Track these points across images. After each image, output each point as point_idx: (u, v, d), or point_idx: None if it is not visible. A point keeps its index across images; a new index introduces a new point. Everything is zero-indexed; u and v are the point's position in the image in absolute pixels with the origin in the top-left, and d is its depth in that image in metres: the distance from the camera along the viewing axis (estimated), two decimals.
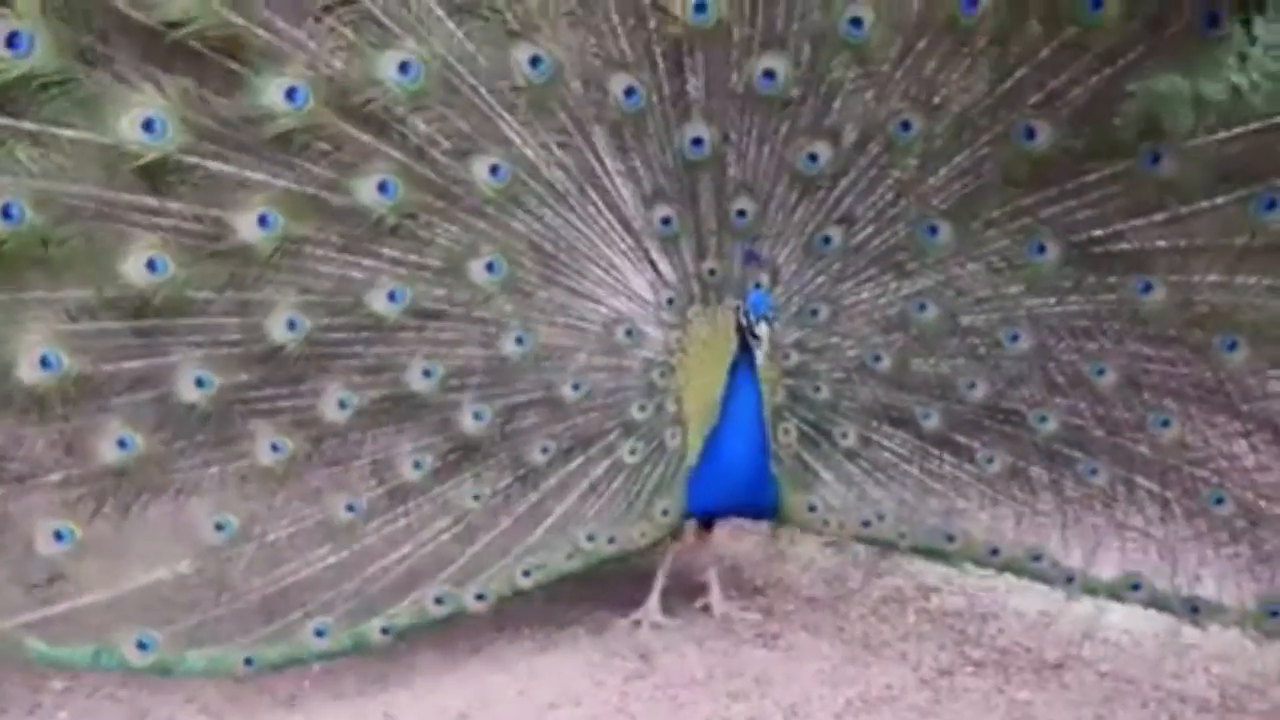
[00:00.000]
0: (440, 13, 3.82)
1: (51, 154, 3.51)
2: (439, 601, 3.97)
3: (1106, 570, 4.12)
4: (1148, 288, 3.85)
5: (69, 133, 3.51)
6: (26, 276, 3.59)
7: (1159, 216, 3.82)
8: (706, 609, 4.41)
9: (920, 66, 3.92)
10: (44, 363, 3.56)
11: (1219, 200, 3.74)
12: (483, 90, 3.90)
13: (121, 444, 3.70)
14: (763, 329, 3.86)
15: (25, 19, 3.39)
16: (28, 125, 3.49)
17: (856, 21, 3.87)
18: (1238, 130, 3.72)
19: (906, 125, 3.96)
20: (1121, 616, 4.39)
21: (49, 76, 3.45)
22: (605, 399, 4.18)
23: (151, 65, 3.56)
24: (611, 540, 4.15)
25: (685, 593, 4.47)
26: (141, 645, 3.66)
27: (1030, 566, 4.17)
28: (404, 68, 3.77)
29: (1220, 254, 3.74)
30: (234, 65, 3.63)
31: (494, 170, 3.94)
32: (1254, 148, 3.69)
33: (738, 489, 4.16)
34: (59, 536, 3.66)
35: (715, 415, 4.12)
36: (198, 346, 3.76)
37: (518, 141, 3.97)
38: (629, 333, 4.19)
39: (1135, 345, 3.94)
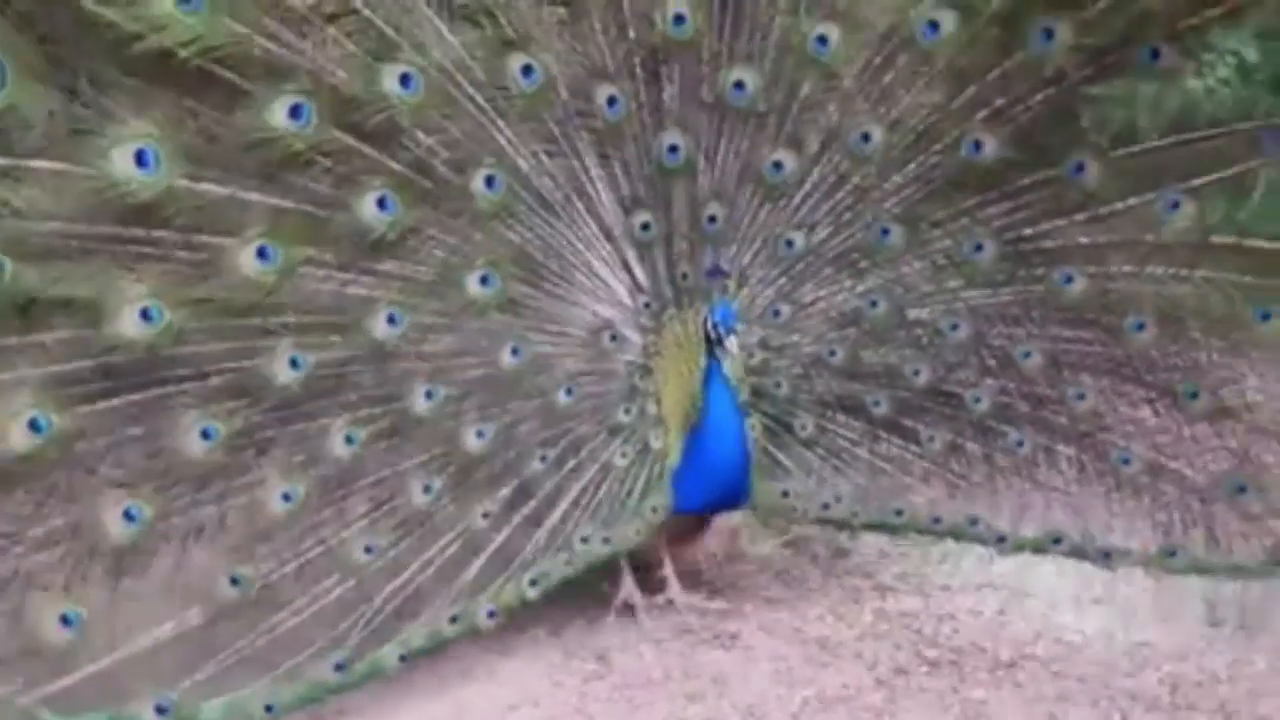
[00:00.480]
0: (438, 22, 3.82)
1: (26, 189, 3.34)
2: (453, 621, 3.98)
3: (1031, 529, 4.47)
4: (1069, 279, 4.19)
5: (51, 165, 3.36)
6: (7, 332, 3.43)
7: (1080, 217, 4.17)
8: (670, 604, 4.44)
9: (881, 82, 4.15)
10: (33, 426, 3.41)
11: (1132, 202, 4.11)
12: (479, 100, 3.93)
13: (129, 516, 3.57)
14: (731, 341, 4.03)
15: None
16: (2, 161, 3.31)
17: (823, 39, 4.10)
18: (1179, 137, 4.07)
19: (866, 137, 4.17)
20: (1075, 617, 4.45)
21: (25, 108, 3.28)
22: (594, 404, 4.26)
23: (142, 90, 3.45)
24: (606, 541, 4.23)
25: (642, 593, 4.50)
26: (160, 710, 3.53)
27: (968, 530, 4.49)
28: (405, 80, 3.76)
29: (1133, 248, 4.13)
30: (237, 82, 3.53)
31: (489, 181, 3.97)
32: (1168, 155, 4.08)
33: (722, 484, 4.30)
34: (66, 621, 3.49)
35: (694, 415, 4.24)
36: (198, 397, 3.66)
37: (510, 151, 4.01)
38: (613, 337, 4.28)
39: (1057, 329, 4.30)
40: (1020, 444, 4.39)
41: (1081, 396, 4.32)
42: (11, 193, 3.31)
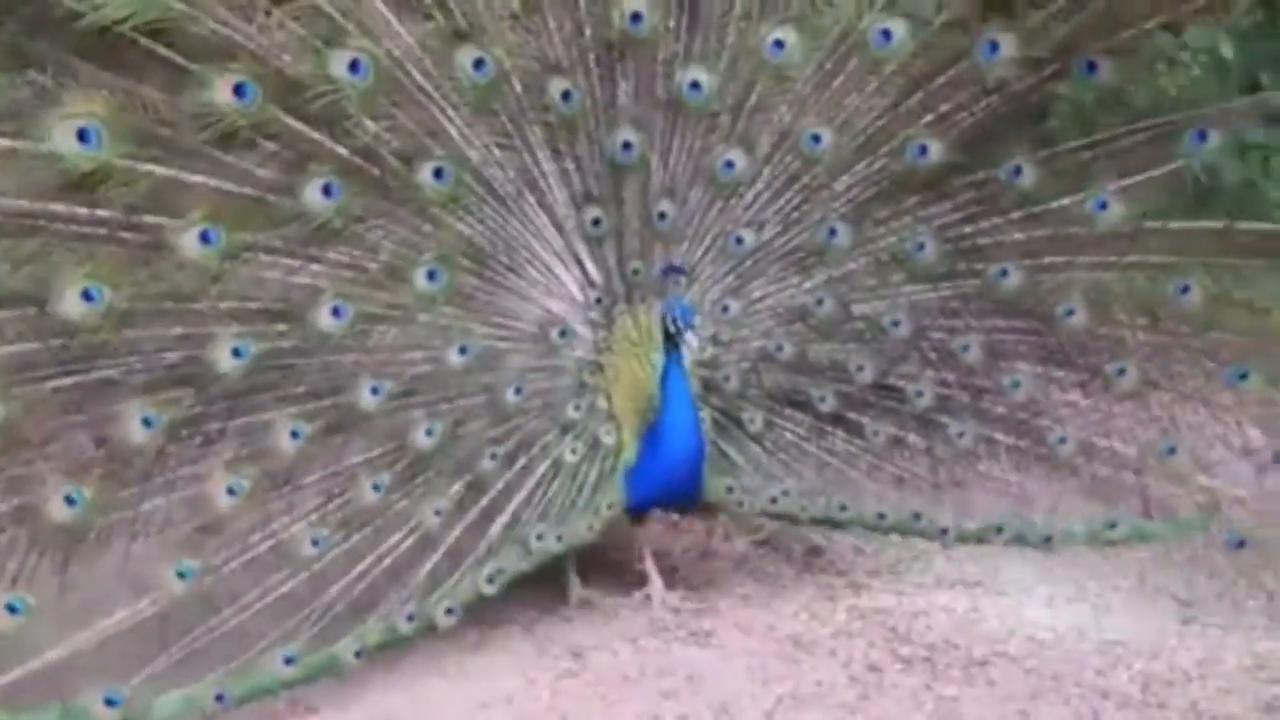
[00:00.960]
0: (387, 12, 3.81)
1: None
2: (410, 619, 3.96)
3: (973, 520, 4.61)
4: (1004, 273, 4.37)
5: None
6: None
7: (1016, 215, 4.36)
8: (648, 599, 4.46)
9: (832, 86, 4.26)
10: None
11: (1064, 201, 4.33)
12: (430, 90, 3.92)
13: (70, 500, 3.52)
14: (690, 337, 4.10)
15: None
16: None
17: (779, 43, 4.19)
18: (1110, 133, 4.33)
19: (817, 138, 4.27)
20: (1047, 614, 4.46)
21: None
22: (543, 400, 4.25)
23: (84, 65, 3.43)
24: (559, 538, 4.22)
25: (617, 589, 4.50)
26: (110, 702, 3.48)
27: (912, 525, 4.58)
28: (354, 66, 3.76)
29: (1065, 242, 4.36)
30: (179, 61, 3.53)
31: (438, 173, 3.96)
32: (1099, 155, 4.34)
33: (681, 480, 4.32)
34: (12, 610, 3.45)
35: (648, 412, 4.25)
36: (141, 384, 3.63)
37: (460, 143, 4.01)
38: (563, 333, 4.28)
39: (993, 321, 4.46)
40: (961, 435, 4.52)
41: (1017, 385, 4.46)
42: None
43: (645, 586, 4.46)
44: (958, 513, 4.59)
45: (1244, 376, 4.35)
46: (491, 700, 3.89)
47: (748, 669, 4.09)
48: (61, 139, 3.38)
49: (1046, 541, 4.61)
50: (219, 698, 3.63)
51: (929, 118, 4.25)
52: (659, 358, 4.21)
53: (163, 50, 3.52)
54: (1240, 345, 4.35)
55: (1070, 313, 4.37)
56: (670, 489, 4.34)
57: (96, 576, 3.66)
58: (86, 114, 3.39)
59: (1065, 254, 4.37)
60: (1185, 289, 4.30)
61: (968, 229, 4.38)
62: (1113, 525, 4.58)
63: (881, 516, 4.57)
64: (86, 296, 3.47)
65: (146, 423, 3.62)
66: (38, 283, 3.47)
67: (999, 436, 4.54)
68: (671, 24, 4.17)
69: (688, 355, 4.18)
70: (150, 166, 3.53)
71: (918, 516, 4.57)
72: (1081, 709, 3.88)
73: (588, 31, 4.13)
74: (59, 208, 3.46)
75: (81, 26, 3.37)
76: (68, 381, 3.55)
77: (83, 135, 3.39)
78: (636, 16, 4.10)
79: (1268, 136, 9.60)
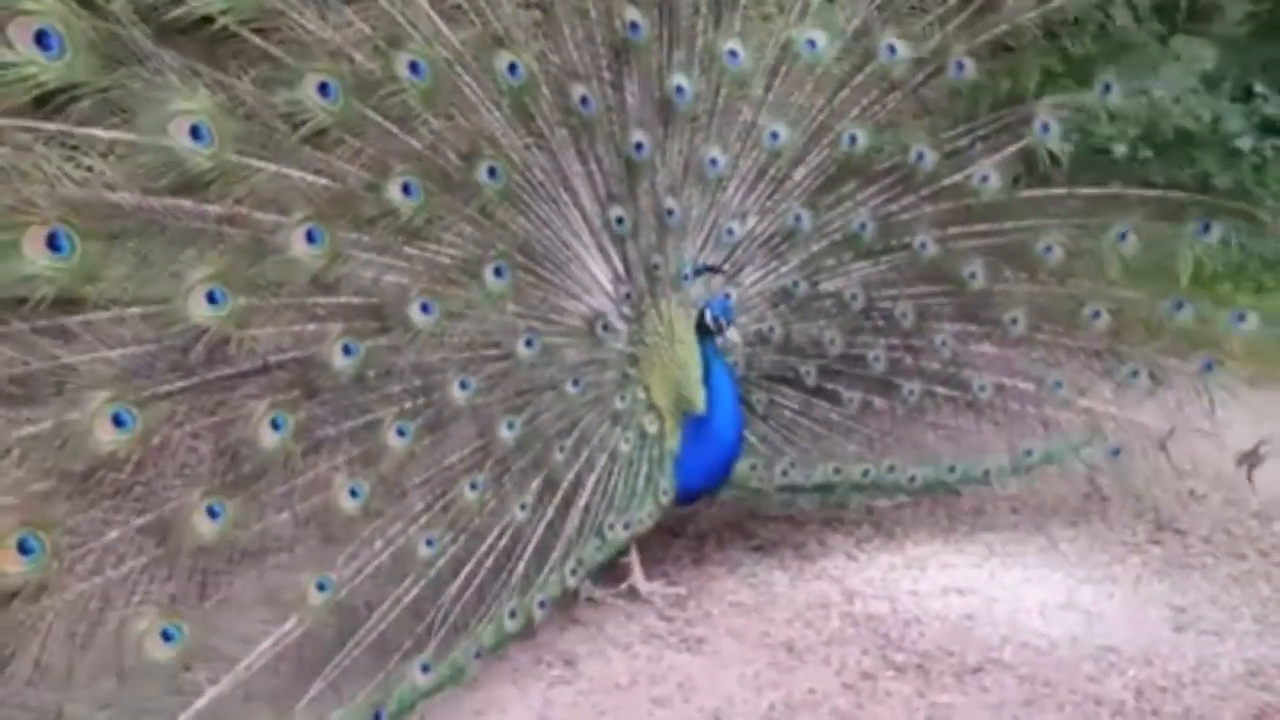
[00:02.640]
0: (435, 16, 3.94)
1: (86, 159, 3.18)
2: (512, 615, 4.02)
3: (931, 466, 5.09)
4: (924, 245, 4.89)
5: (111, 135, 3.20)
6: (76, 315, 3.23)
7: (924, 192, 4.90)
8: (631, 590, 4.51)
9: (778, 88, 4.73)
10: (117, 421, 3.20)
11: (957, 178, 4.91)
12: (477, 93, 4.07)
13: (212, 513, 3.38)
14: (733, 332, 4.42)
15: (51, 16, 3.01)
16: (55, 127, 3.12)
17: (734, 53, 4.63)
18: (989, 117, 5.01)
19: (775, 134, 4.71)
20: (1040, 621, 4.46)
21: (84, 81, 3.11)
22: (596, 394, 4.43)
23: (188, 67, 3.35)
24: (626, 526, 4.41)
25: (608, 595, 4.50)
26: None
27: (887, 479, 5.04)
28: (414, 67, 3.85)
29: (962, 213, 4.94)
30: (272, 53, 3.52)
31: (491, 172, 4.08)
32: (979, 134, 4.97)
33: (723, 466, 4.59)
34: (167, 637, 3.28)
35: (683, 402, 4.51)
36: (259, 387, 3.53)
37: (505, 144, 4.16)
38: (605, 327, 4.49)
39: (920, 287, 4.96)
40: (911, 392, 5.01)
41: (944, 342, 4.99)
42: (71, 162, 3.15)
43: (629, 577, 4.54)
44: (916, 461, 5.07)
45: (1097, 315, 5.05)
46: (484, 708, 3.88)
47: (740, 676, 4.09)
48: (177, 135, 3.29)
49: (985, 477, 5.15)
50: (376, 716, 3.58)
51: (855, 111, 4.80)
52: (686, 350, 4.47)
53: (256, 42, 3.51)
54: (1092, 289, 5.04)
55: (973, 275, 4.92)
56: (715, 475, 4.59)
57: (237, 596, 3.51)
58: (197, 110, 3.30)
59: (964, 224, 4.93)
60: (1049, 248, 4.94)
61: (893, 207, 4.89)
62: (1029, 453, 5.14)
63: (866, 474, 4.99)
64: (211, 298, 3.38)
65: (275, 425, 3.53)
66: (160, 284, 3.35)
67: (938, 389, 5.05)
68: (658, 34, 4.51)
69: (731, 348, 4.54)
70: (255, 163, 3.46)
71: (892, 469, 5.02)
72: (1075, 716, 3.88)
73: (598, 39, 4.41)
74: (177, 203, 3.35)
75: (176, 17, 3.32)
76: (185, 385, 3.41)
77: (195, 132, 3.31)
78: (635, 25, 4.44)
79: (1257, 144, 9.72)
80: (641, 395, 4.50)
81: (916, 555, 5.00)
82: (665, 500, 4.52)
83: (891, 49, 4.77)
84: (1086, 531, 5.25)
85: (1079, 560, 4.98)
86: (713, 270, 4.64)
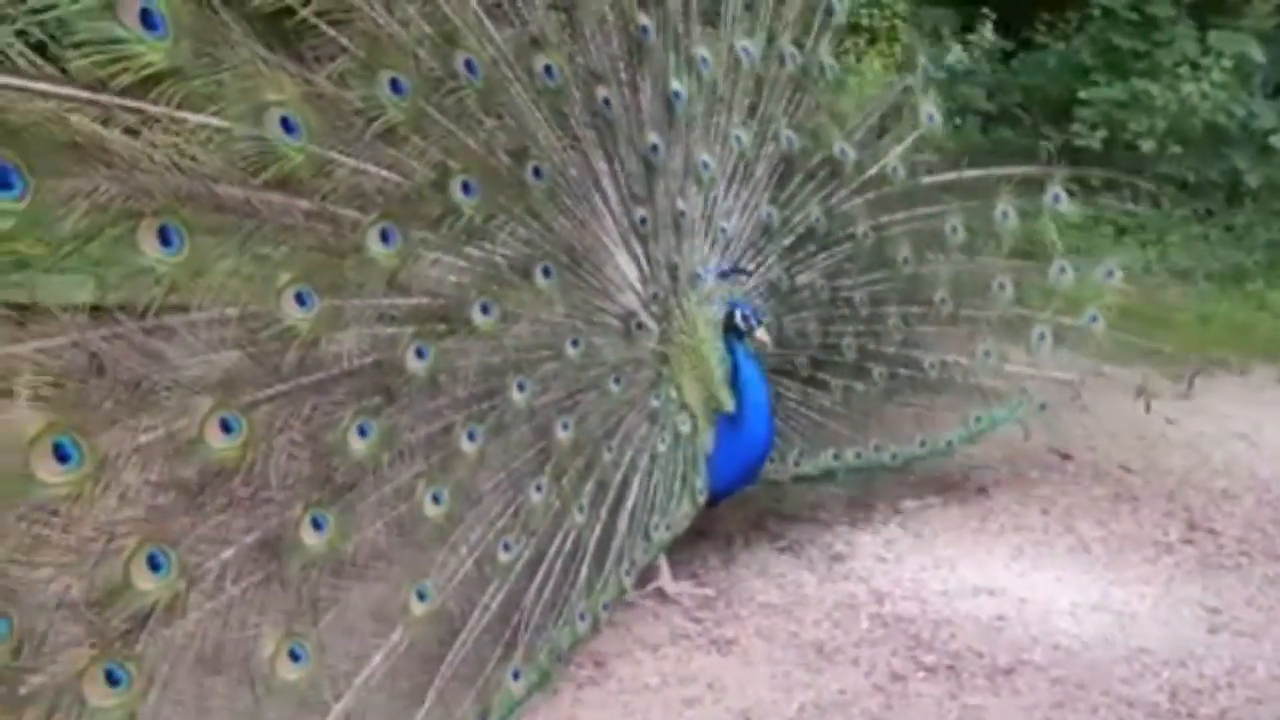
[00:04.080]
0: (483, 16, 3.94)
1: (186, 145, 3.03)
2: (582, 618, 4.04)
3: (904, 441, 5.35)
4: (865, 234, 5.15)
5: (210, 121, 3.06)
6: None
7: (854, 185, 5.16)
8: (659, 592, 4.50)
9: (736, 91, 4.90)
10: (225, 427, 3.07)
11: (873, 170, 5.22)
12: (522, 93, 4.08)
13: (316, 525, 3.27)
14: (762, 333, 4.51)
15: None
16: (160, 109, 2.95)
17: (704, 60, 4.77)
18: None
19: (739, 138, 4.89)
20: (1072, 622, 4.42)
21: (186, 65, 2.98)
22: (635, 393, 4.45)
23: (263, 52, 3.22)
24: (668, 527, 4.44)
25: (637, 596, 4.48)
26: None
27: (875, 459, 5.25)
28: (469, 65, 3.84)
29: (886, 202, 5.23)
30: (346, 45, 3.44)
31: (537, 172, 4.09)
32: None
33: (756, 464, 4.65)
34: (295, 657, 3.15)
35: (713, 401, 4.55)
36: (343, 393, 3.41)
37: (545, 145, 4.17)
38: (638, 325, 4.50)
39: (871, 274, 5.20)
40: (880, 375, 5.23)
41: (895, 325, 5.24)
42: (174, 150, 3.02)
43: (657, 580, 4.53)
44: (895, 440, 5.32)
45: (1002, 287, 5.40)
46: None
47: (770, 677, 4.07)
48: (271, 126, 3.19)
49: (948, 448, 5.46)
50: None
51: (785, 112, 5.02)
52: (711, 348, 4.54)
53: (332, 35, 3.43)
54: (994, 263, 5.41)
55: (905, 259, 5.22)
56: (748, 473, 4.64)
57: (341, 611, 3.37)
58: (287, 101, 3.21)
59: (890, 211, 5.20)
60: (954, 229, 5.30)
61: (833, 200, 5.10)
62: (979, 419, 5.46)
63: (858, 456, 5.20)
64: (300, 300, 3.28)
65: (362, 432, 3.44)
66: (255, 285, 3.23)
67: (900, 370, 5.28)
68: (661, 39, 4.61)
69: (763, 346, 4.61)
70: (336, 156, 3.38)
71: (877, 449, 5.24)
72: (1108, 718, 3.85)
73: (614, 41, 4.43)
74: (270, 197, 3.23)
75: (256, 7, 3.23)
76: (280, 391, 3.27)
77: (286, 123, 3.22)
78: (645, 29, 4.52)
79: None
80: (674, 395, 4.53)
81: (946, 556, 4.96)
82: (701, 500, 4.54)
83: (790, 55, 5.07)
84: (1117, 531, 5.21)
85: (1110, 561, 4.94)
86: (740, 272, 4.72)
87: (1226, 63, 9.76)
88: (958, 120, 9.27)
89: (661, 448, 4.46)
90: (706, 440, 4.56)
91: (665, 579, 4.54)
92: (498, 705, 3.65)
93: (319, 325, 3.31)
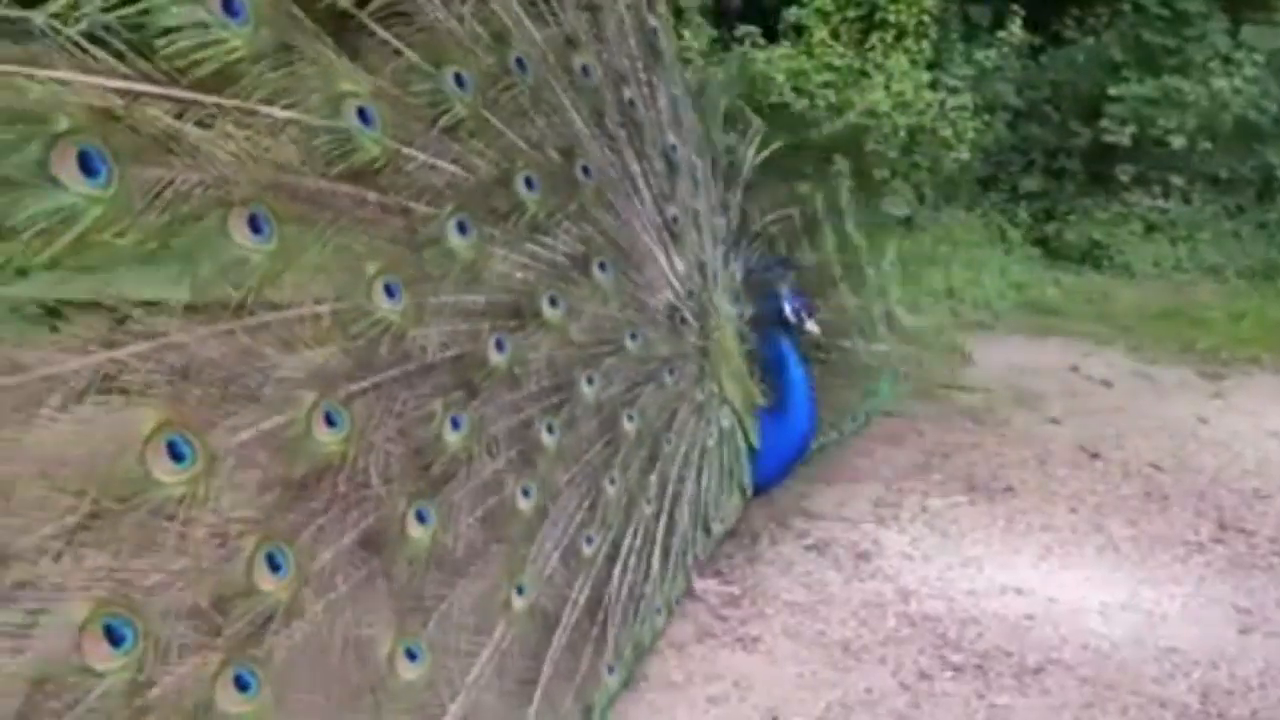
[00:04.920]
0: (523, 16, 3.91)
1: (258, 136, 2.96)
2: (659, 611, 4.07)
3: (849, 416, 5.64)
4: (773, 223, 5.36)
5: (285, 114, 2.99)
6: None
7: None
8: (686, 589, 4.46)
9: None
10: (329, 421, 3.00)
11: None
12: (565, 91, 4.08)
13: (420, 518, 3.21)
14: (811, 325, 4.64)
15: None
16: (234, 103, 2.88)
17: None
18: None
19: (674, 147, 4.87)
20: (1101, 622, 4.39)
21: (266, 54, 2.92)
22: (684, 386, 4.46)
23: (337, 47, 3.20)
24: (723, 520, 4.51)
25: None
26: None
27: (848, 430, 5.58)
28: (520, 63, 3.83)
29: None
30: (399, 47, 3.40)
31: (585, 170, 4.11)
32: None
33: (798, 455, 4.70)
34: (412, 656, 3.11)
35: (751, 394, 4.63)
36: (435, 386, 3.37)
37: (588, 144, 4.17)
38: (681, 320, 4.51)
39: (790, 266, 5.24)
40: (831, 350, 5.42)
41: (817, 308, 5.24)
42: (249, 142, 2.95)
43: None
44: (843, 414, 5.55)
45: (843, 279, 5.71)
46: None
47: (796, 675, 4.05)
48: (350, 116, 3.15)
49: (867, 419, 5.80)
50: None
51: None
52: (738, 343, 4.62)
53: (384, 35, 3.37)
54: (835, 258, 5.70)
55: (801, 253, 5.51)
56: (790, 464, 4.68)
57: (445, 608, 3.29)
58: (362, 93, 3.17)
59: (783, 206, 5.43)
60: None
61: (735, 195, 5.23)
62: (875, 391, 5.80)
63: (839, 431, 5.46)
64: (389, 292, 3.23)
65: (455, 425, 3.40)
66: (343, 278, 3.18)
67: (830, 355, 5.42)
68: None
69: (809, 336, 4.76)
70: (407, 150, 3.34)
71: (844, 420, 5.52)
72: (1139, 719, 3.81)
73: (632, 42, 4.45)
74: (348, 189, 3.18)
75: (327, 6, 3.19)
76: (374, 383, 3.21)
77: (363, 114, 3.18)
78: (654, 31, 4.60)
79: None
80: (715, 389, 4.56)
81: (973, 554, 4.93)
82: (748, 493, 4.60)
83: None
84: (1147, 530, 5.17)
85: (1140, 560, 4.89)
86: (790, 267, 4.84)
87: (1259, 57, 9.66)
88: (986, 116, 9.23)
89: (710, 442, 4.49)
90: (751, 433, 4.60)
91: (691, 576, 4.54)
92: (598, 701, 3.63)
93: (407, 318, 3.26)
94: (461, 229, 3.49)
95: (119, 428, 2.58)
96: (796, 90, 8.41)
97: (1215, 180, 10.05)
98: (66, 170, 2.49)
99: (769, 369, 4.76)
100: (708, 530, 4.43)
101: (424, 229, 3.39)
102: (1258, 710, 3.85)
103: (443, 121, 3.49)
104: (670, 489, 4.24)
